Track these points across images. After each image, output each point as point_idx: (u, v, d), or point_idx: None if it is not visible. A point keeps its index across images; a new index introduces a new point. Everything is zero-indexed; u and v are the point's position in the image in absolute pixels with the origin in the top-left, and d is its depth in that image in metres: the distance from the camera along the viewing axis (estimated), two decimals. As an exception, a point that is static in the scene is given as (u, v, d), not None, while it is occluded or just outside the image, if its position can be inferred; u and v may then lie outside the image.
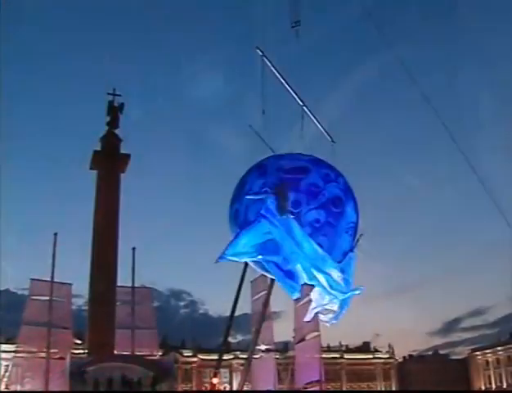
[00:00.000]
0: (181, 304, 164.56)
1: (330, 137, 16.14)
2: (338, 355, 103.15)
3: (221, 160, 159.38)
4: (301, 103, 12.72)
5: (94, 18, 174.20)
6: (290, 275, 13.67)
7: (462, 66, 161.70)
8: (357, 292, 14.41)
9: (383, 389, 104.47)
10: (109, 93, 54.88)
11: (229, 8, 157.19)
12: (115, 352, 46.43)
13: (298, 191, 12.02)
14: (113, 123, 54.43)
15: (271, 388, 51.44)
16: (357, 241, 14.64)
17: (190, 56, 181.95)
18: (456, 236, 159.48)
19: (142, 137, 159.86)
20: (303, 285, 14.21)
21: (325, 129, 12.75)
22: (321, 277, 13.32)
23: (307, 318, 15.23)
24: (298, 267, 13.30)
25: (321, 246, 12.63)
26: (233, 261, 13.64)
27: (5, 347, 61.61)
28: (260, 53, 13.43)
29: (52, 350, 47.85)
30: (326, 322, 13.46)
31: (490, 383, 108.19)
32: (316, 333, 50.70)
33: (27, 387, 46.50)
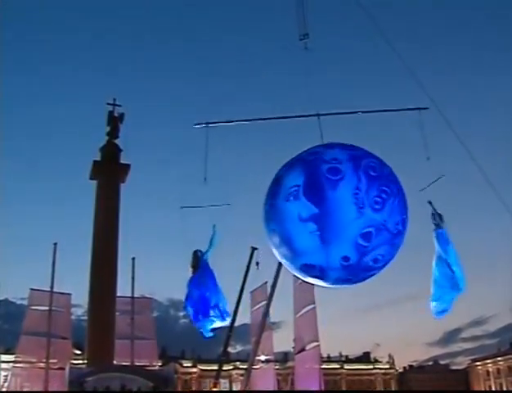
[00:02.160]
0: (181, 314, 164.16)
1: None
2: (338, 366, 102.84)
3: (220, 169, 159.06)
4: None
5: (95, 24, 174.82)
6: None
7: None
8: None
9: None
10: (109, 103, 55.01)
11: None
12: (115, 362, 46.31)
13: None
14: (113, 133, 54.53)
15: (271, 398, 51.46)
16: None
17: (190, 66, 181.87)
18: (457, 245, 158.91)
19: (143, 146, 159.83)
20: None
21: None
22: None
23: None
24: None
25: None
26: None
27: (4, 357, 61.61)
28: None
29: (51, 360, 47.79)
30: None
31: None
32: (315, 343, 50.57)
33: (26, 397, 46.50)
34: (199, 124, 12.86)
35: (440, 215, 12.26)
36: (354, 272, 10.11)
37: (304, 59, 12.59)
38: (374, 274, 10.49)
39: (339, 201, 9.51)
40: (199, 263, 13.14)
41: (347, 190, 9.62)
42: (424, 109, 12.16)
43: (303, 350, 52.08)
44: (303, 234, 9.75)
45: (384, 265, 10.39)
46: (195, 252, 13.24)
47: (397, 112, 12.54)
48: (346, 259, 9.80)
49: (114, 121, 54.58)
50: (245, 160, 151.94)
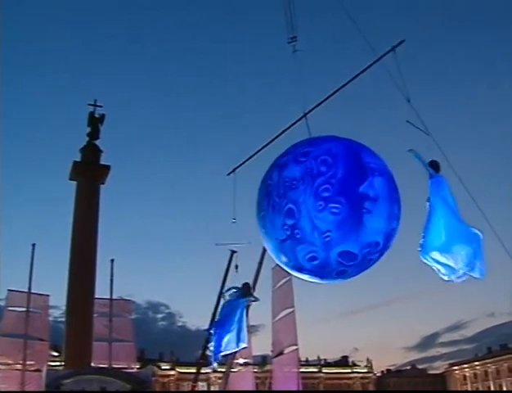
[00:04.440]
0: (159, 316, 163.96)
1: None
2: (316, 369, 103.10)
3: (201, 176, 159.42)
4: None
5: (74, 26, 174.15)
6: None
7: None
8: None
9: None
10: (90, 104, 54.72)
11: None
12: (92, 364, 46.03)
13: None
14: (93, 134, 54.25)
15: (249, 401, 51.42)
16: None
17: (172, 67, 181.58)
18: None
19: (123, 148, 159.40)
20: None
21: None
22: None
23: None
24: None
25: None
26: None
27: (-20, 359, 61.00)
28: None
29: (28, 362, 47.38)
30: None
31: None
32: (294, 347, 50.64)
33: (2, 399, 46.08)
34: (231, 173, 13.08)
35: (435, 162, 10.25)
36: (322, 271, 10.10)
37: (293, 61, 12.60)
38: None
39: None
40: (245, 296, 13.43)
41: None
42: (400, 44, 11.54)
43: (281, 353, 52.14)
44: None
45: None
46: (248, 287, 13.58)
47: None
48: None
49: (95, 122, 54.32)
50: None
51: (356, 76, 12.24)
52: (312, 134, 11.22)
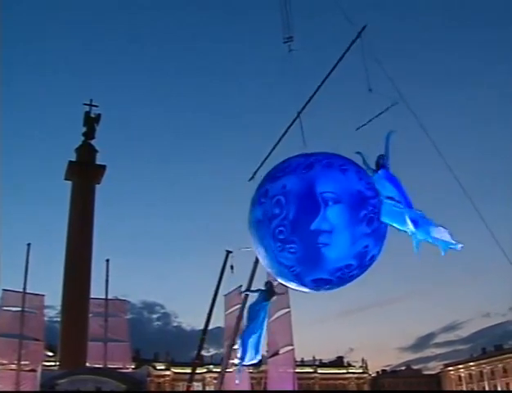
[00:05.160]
0: (154, 316, 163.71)
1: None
2: (311, 370, 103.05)
3: (196, 174, 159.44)
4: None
5: (74, 26, 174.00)
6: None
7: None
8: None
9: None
10: (85, 104, 54.58)
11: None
12: (87, 365, 45.96)
13: None
14: (89, 134, 54.12)
15: (244, 402, 51.37)
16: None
17: (169, 68, 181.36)
18: (431, 250, 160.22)
19: (119, 148, 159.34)
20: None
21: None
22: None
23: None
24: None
25: None
26: None
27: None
28: None
29: (23, 362, 47.35)
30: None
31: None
32: (289, 347, 50.67)
33: (-3, 399, 46.00)
34: (251, 178, 13.16)
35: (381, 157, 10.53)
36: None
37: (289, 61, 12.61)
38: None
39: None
40: (269, 298, 13.38)
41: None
42: (363, 29, 11.83)
43: (276, 353, 52.14)
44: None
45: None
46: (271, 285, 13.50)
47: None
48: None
49: (91, 122, 54.20)
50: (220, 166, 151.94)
51: (333, 68, 12.40)
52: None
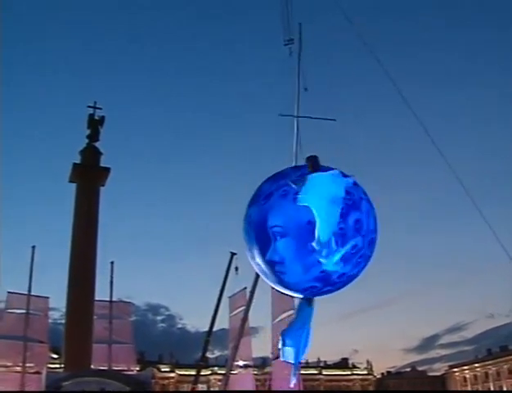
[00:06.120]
0: (159, 318, 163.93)
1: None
2: (316, 371, 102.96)
3: (200, 174, 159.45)
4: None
5: (75, 26, 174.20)
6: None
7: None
8: None
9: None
10: (89, 106, 54.65)
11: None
12: (92, 367, 46.01)
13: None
14: (93, 136, 54.21)
15: (248, 404, 51.38)
16: None
17: (175, 67, 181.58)
18: (436, 252, 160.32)
19: (120, 148, 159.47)
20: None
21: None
22: None
23: None
24: None
25: None
26: None
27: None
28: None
29: (28, 364, 47.38)
30: None
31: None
32: (294, 349, 50.55)
33: (1, 401, 46.04)
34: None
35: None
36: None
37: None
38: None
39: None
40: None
41: None
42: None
43: (281, 355, 52.04)
44: None
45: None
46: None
47: None
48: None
49: (95, 124, 54.28)
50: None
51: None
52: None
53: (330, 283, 10.24)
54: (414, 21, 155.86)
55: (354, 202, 9.69)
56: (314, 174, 9.60)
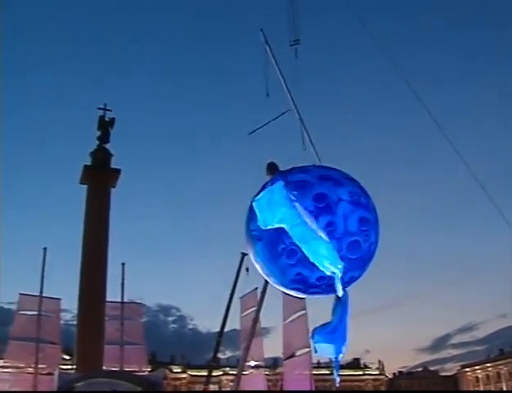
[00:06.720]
0: (170, 319, 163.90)
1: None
2: (328, 372, 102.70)
3: (213, 176, 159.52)
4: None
5: (75, 26, 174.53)
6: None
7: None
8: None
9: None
10: (99, 108, 54.73)
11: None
12: (104, 368, 46.10)
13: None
14: (103, 138, 54.28)
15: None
16: None
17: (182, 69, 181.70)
18: (446, 250, 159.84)
19: (134, 151, 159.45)
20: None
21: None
22: None
23: None
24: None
25: None
26: None
27: (-8, 362, 61.23)
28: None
29: (40, 366, 47.61)
30: None
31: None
32: (306, 349, 50.52)
33: (14, 403, 46.28)
34: None
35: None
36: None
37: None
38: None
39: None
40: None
41: None
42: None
43: (292, 355, 52.03)
44: None
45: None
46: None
47: None
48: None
49: (105, 126, 54.35)
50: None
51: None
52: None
53: (310, 286, 10.35)
54: (414, 21, 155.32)
55: (327, 205, 9.59)
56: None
